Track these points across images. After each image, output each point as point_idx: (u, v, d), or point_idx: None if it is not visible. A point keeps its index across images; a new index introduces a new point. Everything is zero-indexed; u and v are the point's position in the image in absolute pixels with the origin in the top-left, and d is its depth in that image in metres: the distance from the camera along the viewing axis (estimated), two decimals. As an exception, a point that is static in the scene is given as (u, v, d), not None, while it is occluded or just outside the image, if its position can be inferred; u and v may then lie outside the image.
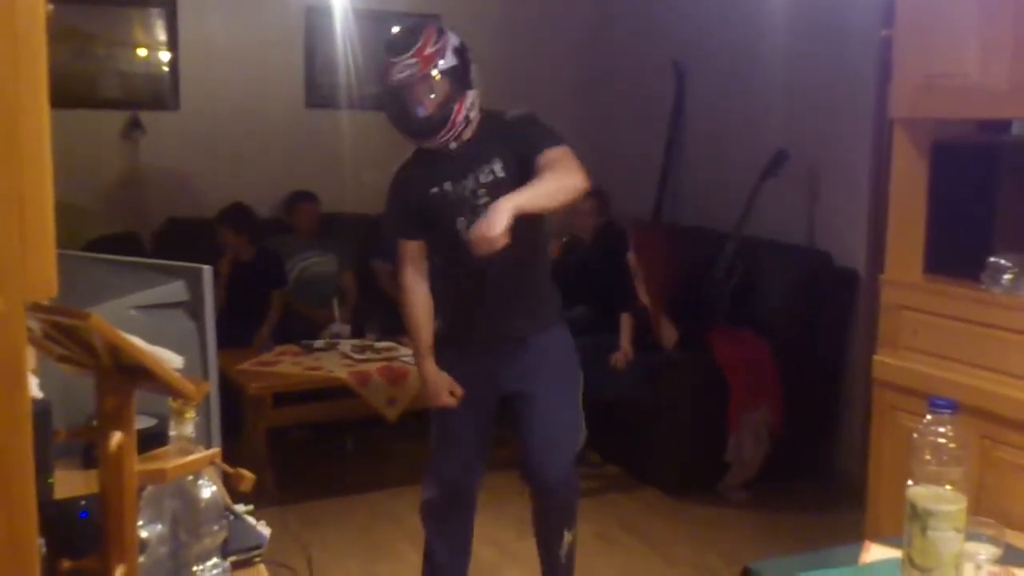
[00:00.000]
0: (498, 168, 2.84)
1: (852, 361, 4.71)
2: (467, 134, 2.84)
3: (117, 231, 5.30)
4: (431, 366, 2.95)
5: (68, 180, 5.21)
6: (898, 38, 2.94)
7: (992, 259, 2.68)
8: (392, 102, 2.82)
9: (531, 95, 6.46)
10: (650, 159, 5.89)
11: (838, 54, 4.80)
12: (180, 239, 5.42)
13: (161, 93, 5.68)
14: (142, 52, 5.70)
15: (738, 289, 4.88)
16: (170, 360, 1.14)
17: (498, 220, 2.51)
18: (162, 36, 5.68)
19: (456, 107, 2.78)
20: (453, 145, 2.84)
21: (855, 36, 4.66)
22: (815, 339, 4.77)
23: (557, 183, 2.66)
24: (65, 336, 1.06)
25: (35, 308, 1.01)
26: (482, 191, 2.83)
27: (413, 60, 2.72)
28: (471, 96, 2.81)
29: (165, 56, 5.69)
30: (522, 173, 2.76)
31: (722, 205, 5.22)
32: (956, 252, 2.85)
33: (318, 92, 5.99)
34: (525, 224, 2.66)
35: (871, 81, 4.50)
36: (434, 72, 2.74)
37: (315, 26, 5.92)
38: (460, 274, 2.94)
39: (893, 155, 3.02)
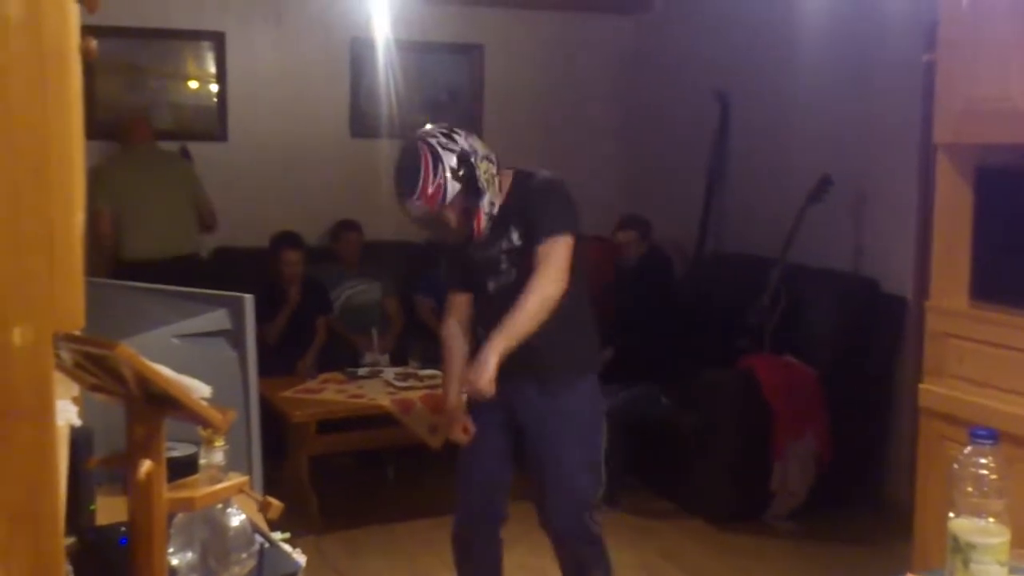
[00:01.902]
0: (515, 237, 2.93)
1: (901, 389, 4.64)
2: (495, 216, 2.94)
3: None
4: (454, 398, 3.06)
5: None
6: (940, 63, 2.91)
7: (1039, 286, 2.63)
8: (423, 227, 3.04)
9: (574, 125, 6.51)
10: (695, 187, 5.87)
11: (882, 79, 4.76)
12: (227, 268, 5.51)
13: (209, 124, 5.78)
14: (193, 84, 5.81)
15: (784, 316, 4.83)
16: (198, 389, 1.15)
17: (484, 371, 2.74)
18: (212, 68, 5.79)
19: (476, 217, 2.88)
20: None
21: (898, 61, 4.62)
22: (862, 367, 4.70)
23: (533, 305, 2.79)
24: (96, 365, 1.08)
25: (66, 338, 1.03)
26: (503, 257, 2.96)
27: (419, 202, 2.79)
28: (487, 198, 2.87)
29: (214, 88, 5.80)
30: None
31: (767, 232, 5.18)
32: (1002, 278, 2.81)
33: (363, 122, 6.06)
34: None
35: (915, 106, 4.45)
36: (441, 206, 2.81)
37: (360, 57, 5.99)
38: (490, 325, 2.93)
39: (937, 181, 2.98)
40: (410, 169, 2.80)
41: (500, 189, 2.92)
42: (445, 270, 3.21)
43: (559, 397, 2.98)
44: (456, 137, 2.84)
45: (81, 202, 1.04)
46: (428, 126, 2.91)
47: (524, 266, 2.89)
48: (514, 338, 2.78)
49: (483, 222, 2.88)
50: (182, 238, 5.39)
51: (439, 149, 2.80)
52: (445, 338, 3.15)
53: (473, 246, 2.97)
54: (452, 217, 2.85)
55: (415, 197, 2.78)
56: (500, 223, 2.93)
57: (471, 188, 2.83)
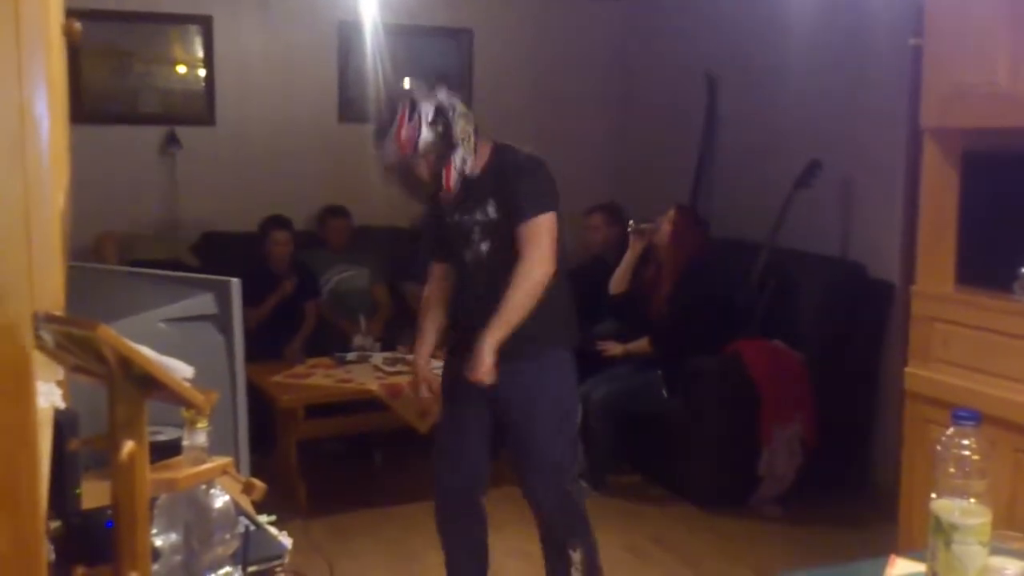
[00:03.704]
0: (491, 210, 2.97)
1: (887, 373, 4.66)
2: (474, 174, 2.97)
3: (158, 254, 5.32)
4: (422, 359, 3.21)
5: (108, 194, 5.33)
6: (927, 47, 2.91)
7: (1024, 269, 2.64)
8: (393, 177, 2.99)
9: (563, 107, 6.50)
10: (683, 170, 5.87)
11: (870, 63, 4.76)
12: (215, 252, 5.51)
13: (197, 108, 5.75)
14: (181, 69, 5.78)
15: (771, 300, 4.85)
16: (180, 370, 1.15)
17: (482, 362, 2.85)
18: (199, 53, 5.76)
19: (445, 170, 2.91)
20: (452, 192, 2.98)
21: (887, 45, 4.63)
22: (849, 351, 4.72)
23: (521, 291, 2.86)
24: (78, 346, 1.08)
25: (47, 319, 1.03)
26: (477, 228, 2.99)
27: (393, 146, 2.88)
28: (459, 153, 2.92)
29: (202, 72, 5.77)
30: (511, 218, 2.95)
31: (755, 216, 5.18)
32: (988, 263, 2.82)
33: (351, 107, 6.04)
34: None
35: (903, 90, 4.46)
36: (413, 152, 2.88)
37: (348, 41, 5.96)
38: (465, 295, 3.10)
39: (923, 166, 2.99)
40: (387, 113, 2.91)
41: (477, 154, 2.96)
42: (424, 241, 3.29)
43: (531, 369, 3.01)
44: (438, 91, 2.92)
45: (64, 183, 1.03)
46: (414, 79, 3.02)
47: (498, 239, 2.96)
48: (506, 328, 2.86)
49: (453, 177, 2.91)
50: None
51: (418, 98, 2.89)
52: (423, 301, 3.26)
53: (448, 212, 3.02)
54: (424, 170, 2.91)
55: (389, 139, 2.87)
56: (477, 193, 2.97)
57: (445, 141, 2.89)
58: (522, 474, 3.14)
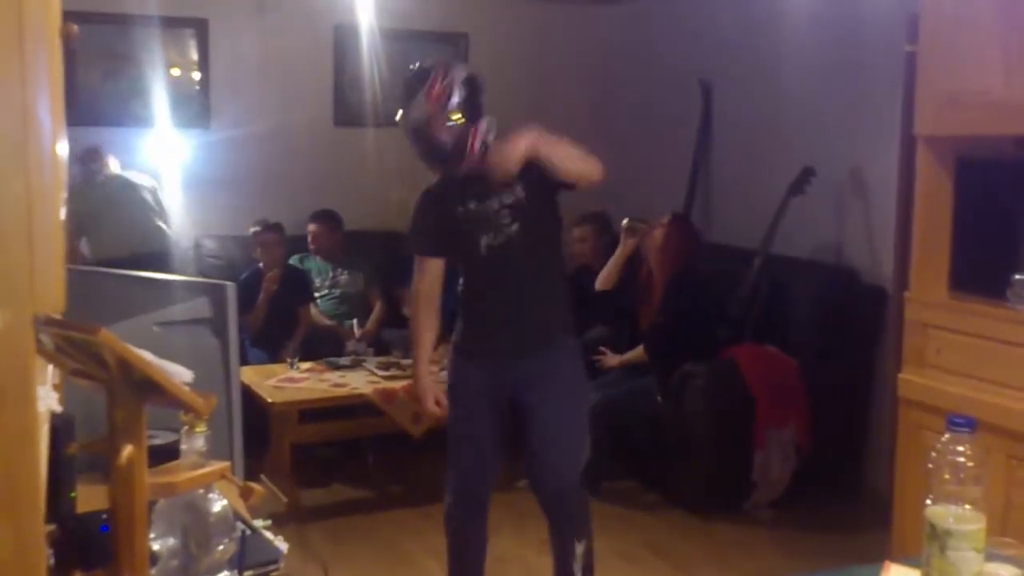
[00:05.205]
0: (519, 190, 2.97)
1: (881, 379, 4.67)
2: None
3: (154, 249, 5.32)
4: (427, 371, 3.19)
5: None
6: (922, 54, 2.93)
7: (1018, 276, 2.65)
8: (416, 139, 2.96)
9: (557, 113, 6.50)
10: (677, 177, 5.88)
11: (864, 70, 4.78)
12: (208, 256, 5.52)
13: (192, 111, 5.74)
14: (175, 72, 5.77)
15: (765, 306, 4.85)
16: (179, 374, 1.15)
17: (515, 152, 2.79)
18: (194, 56, 5.76)
19: (471, 136, 2.91)
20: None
21: (881, 52, 4.64)
22: (843, 357, 4.73)
23: (580, 153, 2.89)
24: (78, 350, 1.08)
25: (48, 322, 1.02)
26: (505, 211, 2.98)
27: (423, 103, 2.89)
28: (485, 123, 2.94)
29: (197, 76, 5.76)
30: (543, 196, 2.98)
31: (749, 222, 5.19)
32: (981, 269, 2.83)
33: (346, 110, 6.04)
34: (545, 238, 3.01)
35: (897, 97, 4.48)
36: (443, 111, 2.90)
37: (343, 45, 5.97)
38: (483, 288, 3.07)
39: (917, 172, 3.00)
40: (418, 75, 2.94)
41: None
42: (418, 234, 3.14)
43: (557, 357, 3.06)
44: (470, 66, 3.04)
45: (62, 186, 1.03)
46: None
47: (529, 220, 2.98)
48: (553, 148, 2.84)
49: (478, 145, 2.91)
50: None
51: (452, 63, 3.00)
52: (418, 300, 3.13)
53: (459, 200, 2.98)
54: (447, 137, 2.90)
55: (419, 97, 2.88)
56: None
57: (475, 106, 2.93)
58: (546, 464, 3.09)
